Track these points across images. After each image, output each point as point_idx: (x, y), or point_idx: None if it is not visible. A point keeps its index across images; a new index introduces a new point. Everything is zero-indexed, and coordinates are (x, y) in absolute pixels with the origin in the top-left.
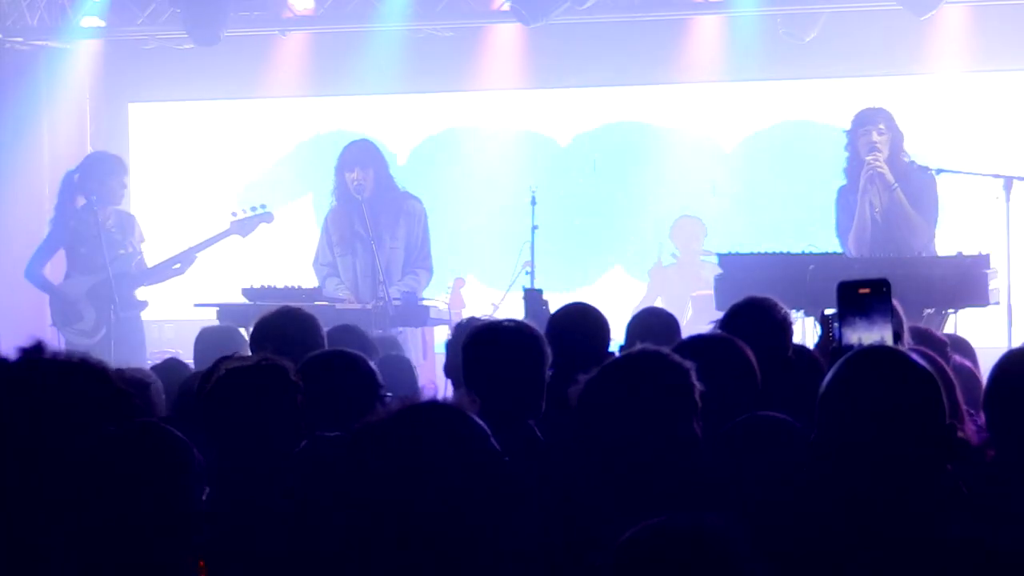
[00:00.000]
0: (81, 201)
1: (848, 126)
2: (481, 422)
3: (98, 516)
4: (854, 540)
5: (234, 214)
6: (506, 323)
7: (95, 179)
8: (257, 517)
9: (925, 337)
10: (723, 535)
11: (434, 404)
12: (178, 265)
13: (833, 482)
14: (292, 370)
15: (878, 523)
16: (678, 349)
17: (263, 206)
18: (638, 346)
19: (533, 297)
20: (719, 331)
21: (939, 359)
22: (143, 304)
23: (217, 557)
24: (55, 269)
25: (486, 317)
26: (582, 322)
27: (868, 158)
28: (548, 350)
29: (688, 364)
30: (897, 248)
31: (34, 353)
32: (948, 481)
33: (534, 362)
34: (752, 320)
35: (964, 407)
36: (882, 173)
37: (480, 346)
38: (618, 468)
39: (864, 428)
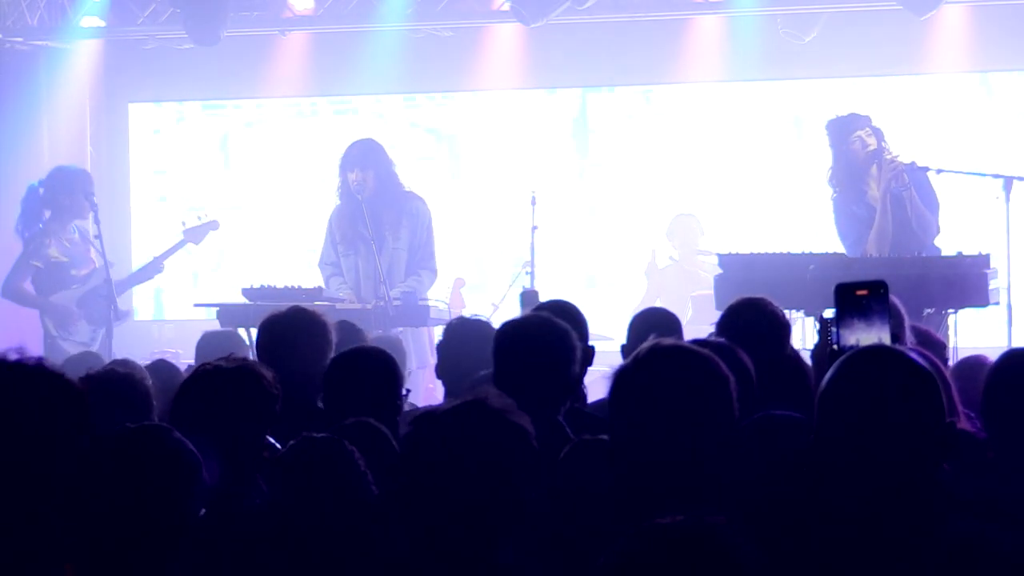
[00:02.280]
0: (47, 214)
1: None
2: (523, 422)
3: (92, 519)
4: (854, 540)
5: (183, 223)
6: (533, 317)
7: (63, 193)
8: (228, 524)
9: (924, 338)
10: (727, 536)
11: (480, 404)
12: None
13: (832, 482)
14: (268, 376)
15: (877, 523)
16: None
17: (208, 215)
18: (669, 340)
19: (529, 298)
20: (717, 337)
21: (936, 360)
22: (127, 314)
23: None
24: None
25: (476, 317)
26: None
27: (888, 156)
28: (577, 344)
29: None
30: (913, 246)
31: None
32: (948, 481)
33: (562, 357)
34: (750, 320)
35: (961, 408)
36: (901, 172)
37: (507, 341)
38: (647, 463)
39: (863, 428)
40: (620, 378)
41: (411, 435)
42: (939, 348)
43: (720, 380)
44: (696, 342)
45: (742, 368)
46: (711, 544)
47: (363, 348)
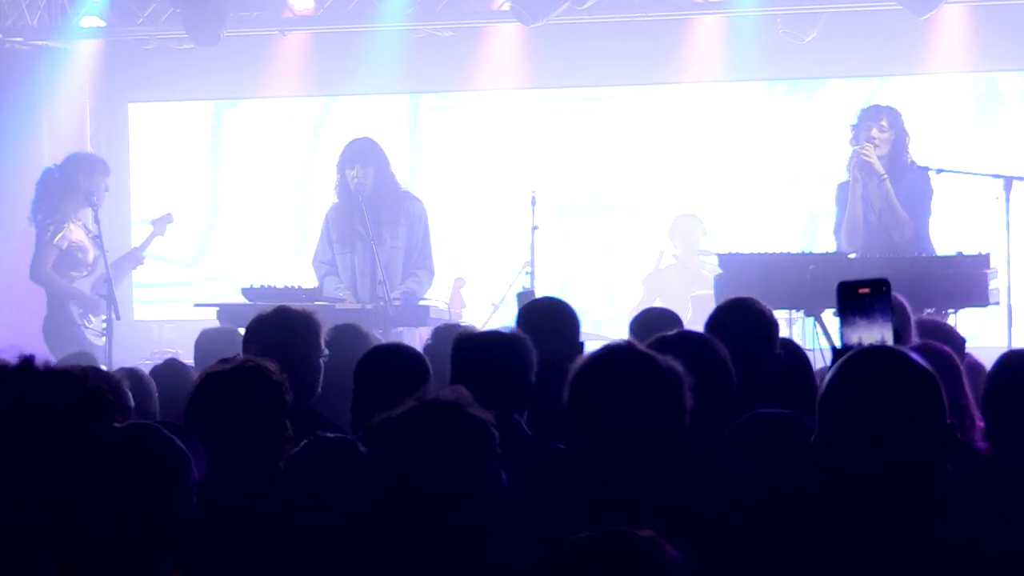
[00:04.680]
0: (62, 198)
1: (854, 122)
2: (479, 412)
3: (84, 518)
4: (854, 541)
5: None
6: (491, 332)
7: (78, 178)
8: (245, 525)
9: (941, 332)
10: (654, 551)
11: (438, 402)
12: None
13: (833, 482)
14: (275, 370)
15: (878, 524)
16: (651, 348)
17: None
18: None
19: (527, 299)
20: (693, 331)
21: (951, 355)
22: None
23: (198, 570)
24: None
25: (466, 325)
26: (552, 316)
27: (856, 147)
28: (533, 351)
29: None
30: (888, 241)
31: (26, 364)
32: (948, 481)
33: (517, 367)
34: (737, 320)
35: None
36: (868, 162)
37: (466, 353)
38: (606, 465)
39: (864, 428)
40: (577, 378)
41: (374, 443)
42: (956, 343)
43: (670, 382)
44: (664, 337)
45: (717, 360)
46: (636, 559)
47: (397, 345)
